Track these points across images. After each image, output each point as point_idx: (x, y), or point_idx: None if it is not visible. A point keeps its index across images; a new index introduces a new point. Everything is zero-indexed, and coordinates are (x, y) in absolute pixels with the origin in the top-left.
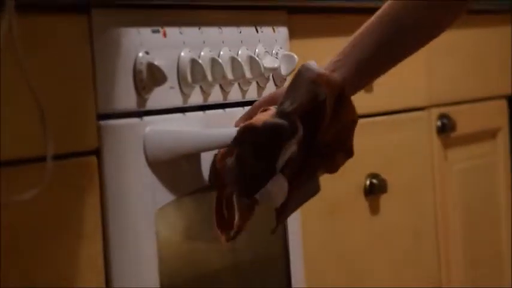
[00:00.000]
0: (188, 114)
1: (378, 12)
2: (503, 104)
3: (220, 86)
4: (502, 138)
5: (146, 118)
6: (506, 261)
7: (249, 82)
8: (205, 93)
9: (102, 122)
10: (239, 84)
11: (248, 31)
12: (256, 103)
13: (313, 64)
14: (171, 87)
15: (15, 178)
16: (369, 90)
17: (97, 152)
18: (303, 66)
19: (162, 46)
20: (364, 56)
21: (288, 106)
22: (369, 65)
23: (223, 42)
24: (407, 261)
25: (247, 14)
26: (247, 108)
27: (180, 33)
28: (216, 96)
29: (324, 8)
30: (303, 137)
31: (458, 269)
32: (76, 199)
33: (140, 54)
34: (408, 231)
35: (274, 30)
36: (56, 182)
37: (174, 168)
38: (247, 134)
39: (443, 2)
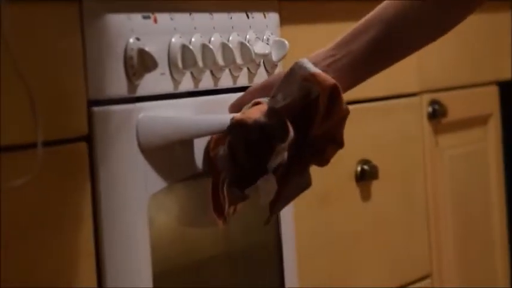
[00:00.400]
0: (180, 100)
1: (378, 8)
2: (495, 90)
3: (211, 72)
4: (493, 124)
5: (139, 104)
6: (497, 248)
7: (240, 68)
8: (196, 79)
9: (95, 108)
10: (230, 70)
11: (239, 17)
12: (249, 89)
13: (306, 62)
14: (162, 74)
15: (5, 165)
16: None
17: (88, 138)
18: (296, 63)
19: (153, 32)
20: (360, 53)
21: (280, 101)
22: (365, 63)
23: (214, 28)
24: (399, 248)
25: (238, 0)
26: (238, 94)
27: (171, 19)
28: (207, 82)
29: None
30: (294, 138)
31: (449, 255)
32: (67, 186)
33: (131, 40)
34: (399, 218)
35: (265, 16)
36: (47, 168)
37: (166, 154)
38: (238, 129)
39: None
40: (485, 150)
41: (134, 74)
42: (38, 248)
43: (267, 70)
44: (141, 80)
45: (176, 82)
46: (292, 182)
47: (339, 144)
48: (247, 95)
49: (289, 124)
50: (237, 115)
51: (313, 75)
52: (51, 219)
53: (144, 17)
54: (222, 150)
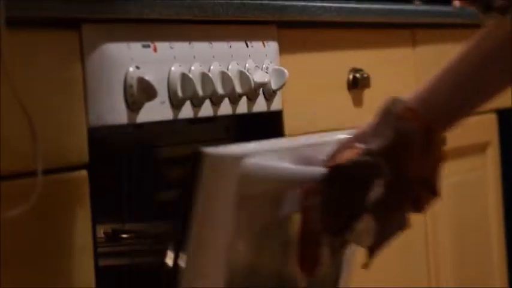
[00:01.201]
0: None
1: (472, 42)
2: (493, 117)
3: (211, 100)
4: (492, 152)
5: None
6: (496, 276)
7: (239, 96)
8: (195, 107)
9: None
10: (229, 98)
11: (238, 46)
12: (343, 140)
13: (399, 99)
14: (162, 102)
15: (4, 193)
16: (359, 104)
17: (88, 166)
18: (389, 100)
19: (153, 61)
20: (456, 91)
21: (374, 144)
22: (461, 101)
23: (213, 57)
24: (398, 277)
25: (237, 29)
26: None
27: (171, 47)
28: (206, 110)
29: (314, 23)
30: (389, 179)
31: (446, 271)
32: (67, 214)
33: (131, 69)
34: (398, 246)
35: (264, 45)
36: (47, 196)
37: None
38: (335, 175)
39: None
40: (484, 178)
41: (134, 102)
42: (38, 278)
43: (266, 98)
44: (141, 109)
45: (176, 110)
46: (390, 222)
47: (434, 192)
48: (341, 146)
49: (384, 161)
50: (331, 161)
51: (407, 111)
52: (51, 248)
53: (144, 46)
54: (315, 199)
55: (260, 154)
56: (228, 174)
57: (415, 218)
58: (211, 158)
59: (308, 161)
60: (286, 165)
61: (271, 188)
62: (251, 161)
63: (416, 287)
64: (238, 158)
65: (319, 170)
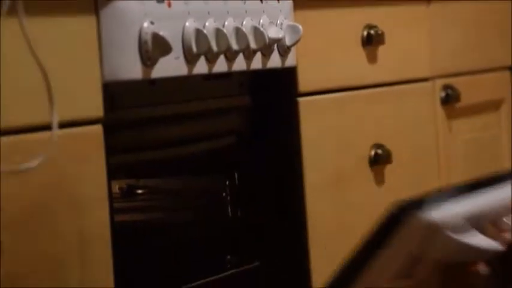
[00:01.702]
0: None
1: None
2: (507, 75)
3: (225, 56)
4: (505, 109)
5: None
6: None
7: (253, 52)
8: (210, 63)
9: None
10: (244, 54)
11: (253, 2)
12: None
13: None
14: (176, 58)
15: (21, 146)
16: (373, 61)
17: (103, 122)
18: None
19: (167, 16)
20: None
21: None
22: None
23: (228, 13)
24: None
25: None
26: None
27: (185, 3)
28: (221, 65)
29: None
30: None
31: None
32: (82, 168)
33: (145, 25)
34: None
35: (278, 1)
36: (62, 150)
37: None
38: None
39: None
40: (498, 136)
41: (148, 58)
42: (52, 230)
43: (280, 54)
44: (155, 64)
45: (190, 65)
46: None
47: None
48: None
49: None
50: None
51: None
52: (67, 202)
53: (158, 1)
54: (483, 269)
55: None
56: (421, 236)
57: (428, 175)
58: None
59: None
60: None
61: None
62: (450, 233)
63: None
64: (440, 227)
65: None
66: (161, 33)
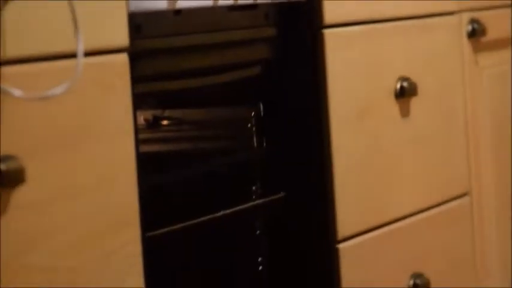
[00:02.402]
0: None
1: None
2: None
3: None
4: None
5: None
6: None
7: None
8: None
9: None
10: None
11: None
12: None
13: None
14: None
15: (46, 74)
16: None
17: (128, 51)
18: None
19: None
20: None
21: None
22: None
23: None
24: (438, 165)
25: None
26: None
27: None
28: None
29: None
30: None
31: (487, 174)
32: (107, 98)
33: None
34: (438, 135)
35: None
36: (88, 79)
37: None
38: None
39: None
40: None
41: None
42: (77, 158)
43: None
44: None
45: None
46: None
47: None
48: None
49: None
50: None
51: None
52: (92, 131)
53: None
54: None
55: None
56: None
57: (454, 109)
58: None
59: None
60: None
61: None
62: None
63: (457, 171)
64: None
65: None
66: None
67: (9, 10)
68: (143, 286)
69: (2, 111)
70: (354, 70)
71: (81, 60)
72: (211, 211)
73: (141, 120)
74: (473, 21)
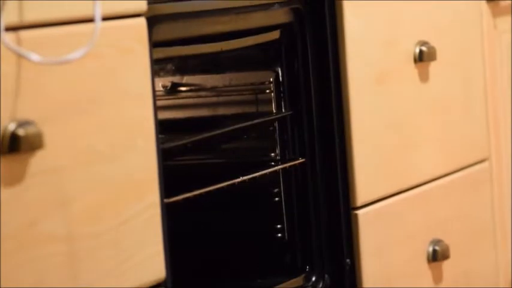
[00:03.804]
0: None
1: None
2: None
3: None
4: None
5: None
6: None
7: None
8: None
9: None
10: None
11: None
12: None
13: None
14: None
15: (63, 39)
16: None
17: (146, 15)
18: None
19: None
20: None
21: None
22: None
23: None
24: (457, 130)
25: None
26: None
27: None
28: None
29: None
30: None
31: (507, 139)
32: (126, 62)
33: None
34: (457, 99)
35: None
36: (105, 44)
37: None
38: None
39: None
40: None
41: None
42: (95, 124)
43: None
44: None
45: None
46: None
47: None
48: None
49: None
50: None
51: None
52: (110, 96)
53: None
54: None
55: None
56: None
57: (473, 73)
58: None
59: None
60: None
61: None
62: None
63: (476, 137)
64: None
65: None
66: None
67: None
68: (162, 252)
69: (19, 77)
70: (372, 35)
71: (99, 24)
72: (231, 177)
73: (159, 86)
74: None
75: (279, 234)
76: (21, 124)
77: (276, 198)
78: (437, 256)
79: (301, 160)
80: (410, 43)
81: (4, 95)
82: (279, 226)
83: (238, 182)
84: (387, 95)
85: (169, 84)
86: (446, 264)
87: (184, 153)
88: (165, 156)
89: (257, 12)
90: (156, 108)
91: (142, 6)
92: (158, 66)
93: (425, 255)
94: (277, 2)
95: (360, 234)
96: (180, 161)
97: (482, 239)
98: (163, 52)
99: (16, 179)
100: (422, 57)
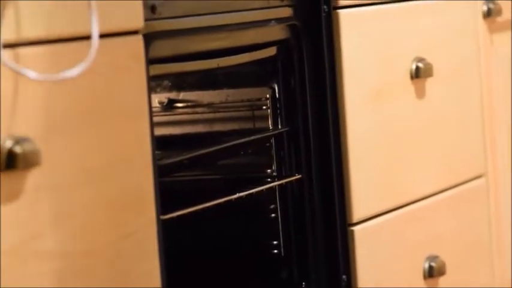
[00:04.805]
0: None
1: None
2: None
3: None
4: None
5: None
6: None
7: None
8: None
9: None
10: None
11: None
12: None
13: None
14: None
15: (60, 56)
16: None
17: (143, 32)
18: None
19: None
20: None
21: None
22: None
23: None
24: (453, 146)
25: None
26: None
27: None
28: None
29: None
30: None
31: (503, 155)
32: (123, 78)
33: None
34: (454, 115)
35: None
36: (102, 61)
37: None
38: None
39: None
40: None
41: None
42: (92, 142)
43: None
44: None
45: None
46: None
47: None
48: None
49: None
50: None
51: None
52: (107, 112)
53: None
54: None
55: None
56: None
57: (469, 89)
58: None
59: None
60: None
61: None
62: None
63: (473, 153)
64: None
65: None
66: None
67: None
68: (159, 268)
69: (16, 93)
70: (369, 51)
71: (96, 41)
72: (227, 193)
73: (155, 103)
74: (488, 0)
75: (276, 250)
76: (18, 141)
77: (273, 214)
78: (433, 272)
79: (297, 176)
80: (406, 59)
81: (1, 112)
82: (275, 242)
83: (235, 198)
84: (384, 110)
85: (165, 100)
86: (442, 281)
87: (181, 170)
88: (161, 173)
89: (254, 28)
90: (153, 125)
91: (139, 23)
92: (155, 83)
93: (421, 272)
94: (274, 19)
95: (356, 250)
96: (177, 177)
97: (479, 255)
98: (159, 69)
99: (13, 195)
100: (419, 74)
